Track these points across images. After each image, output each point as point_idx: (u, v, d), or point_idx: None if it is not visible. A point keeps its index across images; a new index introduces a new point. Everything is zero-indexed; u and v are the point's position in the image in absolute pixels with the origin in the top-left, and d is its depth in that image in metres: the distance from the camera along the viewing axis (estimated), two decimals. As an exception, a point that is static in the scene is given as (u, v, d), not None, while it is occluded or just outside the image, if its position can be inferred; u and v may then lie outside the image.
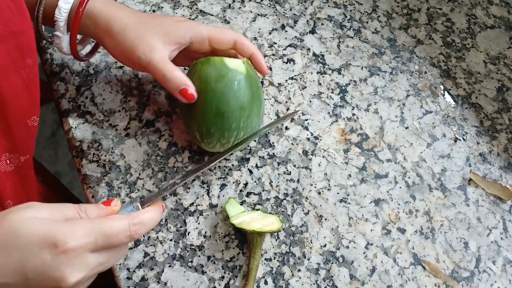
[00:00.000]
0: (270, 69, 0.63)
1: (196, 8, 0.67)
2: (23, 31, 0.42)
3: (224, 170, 0.56)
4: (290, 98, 0.62)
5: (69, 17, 0.50)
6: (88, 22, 0.50)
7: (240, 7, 0.68)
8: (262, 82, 0.63)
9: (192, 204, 0.54)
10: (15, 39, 0.41)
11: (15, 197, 0.48)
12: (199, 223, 0.53)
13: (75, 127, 0.58)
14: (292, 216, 0.54)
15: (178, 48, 0.51)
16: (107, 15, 0.50)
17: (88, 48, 0.59)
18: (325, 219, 0.55)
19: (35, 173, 0.53)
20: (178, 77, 0.49)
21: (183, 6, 0.67)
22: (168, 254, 0.52)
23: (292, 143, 0.59)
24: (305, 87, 0.63)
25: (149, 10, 0.65)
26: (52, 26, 0.51)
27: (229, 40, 0.51)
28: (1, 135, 0.44)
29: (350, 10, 0.70)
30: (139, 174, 0.55)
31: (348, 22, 0.69)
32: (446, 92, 0.64)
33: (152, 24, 0.50)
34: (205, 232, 0.53)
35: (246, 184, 0.56)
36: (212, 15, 0.67)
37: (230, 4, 0.68)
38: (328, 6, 0.70)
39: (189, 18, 0.66)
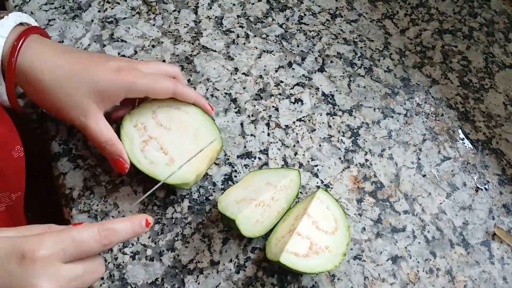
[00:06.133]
0: (277, 109, 0.59)
1: (198, 44, 0.63)
2: None
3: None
4: (298, 142, 0.58)
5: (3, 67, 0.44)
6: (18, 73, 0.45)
7: (244, 43, 0.64)
8: (267, 124, 0.58)
9: (191, 261, 0.49)
10: None
11: None
12: (199, 283, 0.48)
13: (66, 173, 0.53)
14: (301, 276, 0.49)
15: (113, 104, 0.49)
16: (31, 66, 0.44)
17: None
18: (338, 279, 0.50)
19: (24, 209, 0.50)
20: (114, 145, 0.48)
21: (184, 41, 0.63)
22: (164, 319, 0.46)
23: (301, 192, 0.54)
24: (314, 129, 0.59)
25: (149, 46, 0.61)
26: None
27: (167, 93, 0.49)
28: None
29: (361, 47, 0.66)
30: (134, 226, 0.50)
31: (359, 59, 0.65)
32: (465, 137, 0.60)
33: (82, 79, 0.46)
34: (206, 294, 0.48)
35: (251, 238, 0.51)
36: (215, 51, 0.63)
37: (234, 40, 0.64)
38: (338, 42, 0.66)
39: (191, 54, 0.62)
